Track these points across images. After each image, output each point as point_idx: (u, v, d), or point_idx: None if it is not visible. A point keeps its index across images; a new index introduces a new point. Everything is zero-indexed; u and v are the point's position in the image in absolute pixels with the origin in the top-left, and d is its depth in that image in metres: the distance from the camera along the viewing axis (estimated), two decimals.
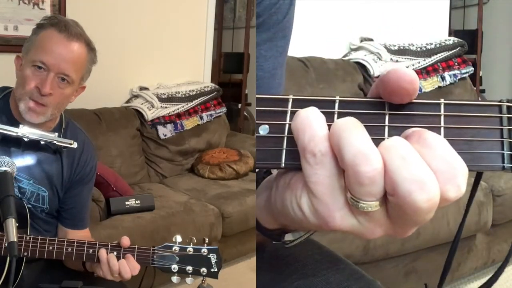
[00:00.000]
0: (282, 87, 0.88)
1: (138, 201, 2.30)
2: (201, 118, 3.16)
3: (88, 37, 1.20)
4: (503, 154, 0.44)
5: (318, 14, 2.90)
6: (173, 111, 2.99)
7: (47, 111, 1.15)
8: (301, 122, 0.45)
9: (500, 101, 0.45)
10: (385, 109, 0.46)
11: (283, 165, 0.48)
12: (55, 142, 1.17)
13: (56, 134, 1.18)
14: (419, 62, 2.91)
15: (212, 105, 3.24)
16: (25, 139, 1.14)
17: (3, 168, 1.03)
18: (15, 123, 1.16)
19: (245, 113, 4.33)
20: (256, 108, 0.50)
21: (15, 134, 1.14)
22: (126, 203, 2.27)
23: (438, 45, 3.00)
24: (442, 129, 0.45)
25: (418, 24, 3.21)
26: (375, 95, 0.47)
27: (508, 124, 0.44)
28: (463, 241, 2.30)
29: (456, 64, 3.02)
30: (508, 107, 0.45)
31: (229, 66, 4.71)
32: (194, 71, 3.44)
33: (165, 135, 2.95)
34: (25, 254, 1.08)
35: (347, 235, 1.89)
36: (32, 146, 1.19)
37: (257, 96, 0.50)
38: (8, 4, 2.45)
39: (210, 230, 2.39)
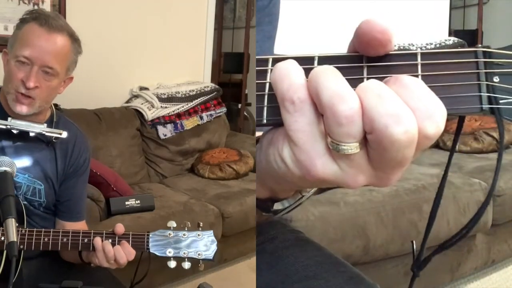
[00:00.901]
0: None
1: (138, 201, 2.30)
2: (201, 118, 3.16)
3: (71, 28, 1.20)
4: (480, 96, 0.45)
5: (318, 14, 2.90)
6: (173, 111, 2.99)
7: (35, 103, 1.16)
8: (279, 73, 0.46)
9: (476, 47, 0.47)
10: (363, 62, 0.48)
11: (264, 121, 0.49)
12: (44, 132, 1.18)
13: (46, 125, 1.19)
14: None
15: (212, 105, 3.24)
16: (14, 131, 1.15)
17: (3, 168, 1.03)
18: (6, 118, 1.17)
19: (245, 113, 4.33)
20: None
21: (3, 126, 1.14)
22: (126, 203, 2.27)
23: (438, 45, 2.99)
24: (419, 76, 0.46)
25: (418, 24, 3.21)
26: (352, 51, 0.49)
27: (484, 68, 0.46)
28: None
29: None
30: (484, 52, 0.47)
31: (229, 66, 4.71)
32: (194, 71, 3.44)
33: (165, 135, 2.95)
34: (21, 247, 1.08)
35: (347, 235, 1.88)
36: (24, 139, 1.19)
37: (258, 57, 0.52)
38: (8, 4, 2.45)
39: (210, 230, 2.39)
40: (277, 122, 0.48)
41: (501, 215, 2.38)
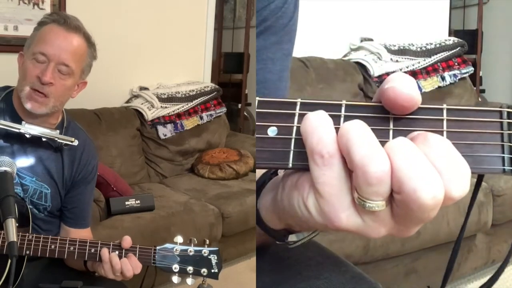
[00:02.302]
0: (288, 90, 0.88)
1: (138, 201, 2.30)
2: (201, 118, 3.16)
3: (87, 31, 1.21)
4: (503, 157, 0.45)
5: (318, 14, 2.90)
6: (173, 111, 2.99)
7: (49, 102, 1.16)
8: (310, 125, 0.47)
9: (501, 107, 0.47)
10: (389, 113, 0.48)
11: (290, 165, 0.49)
12: (56, 139, 1.18)
13: (58, 131, 1.19)
14: (419, 62, 2.91)
15: (212, 105, 3.24)
16: (27, 136, 1.15)
17: (3, 168, 1.03)
18: (19, 122, 1.17)
19: (245, 113, 4.33)
20: (258, 110, 0.51)
21: (17, 130, 1.14)
22: (126, 203, 2.27)
23: (438, 45, 3.00)
24: (444, 132, 0.46)
25: (418, 24, 3.21)
26: (379, 100, 0.49)
27: (508, 129, 0.46)
28: (463, 241, 2.30)
29: (456, 64, 3.01)
30: (508, 112, 0.47)
31: (229, 66, 4.71)
32: (194, 71, 3.43)
33: (165, 135, 2.95)
34: (27, 252, 1.08)
35: (347, 235, 1.88)
36: (34, 143, 1.19)
37: (262, 99, 0.51)
38: (8, 4, 2.45)
39: (210, 230, 2.39)
40: (303, 167, 0.48)
41: (501, 215, 2.38)
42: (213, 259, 1.13)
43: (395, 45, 2.94)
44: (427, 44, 2.99)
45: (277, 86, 0.85)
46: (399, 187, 0.42)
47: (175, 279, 1.12)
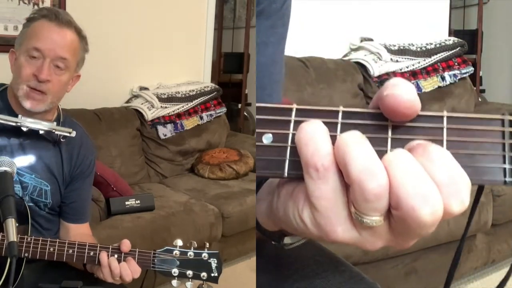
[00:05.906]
0: (283, 76, 0.88)
1: (138, 201, 2.30)
2: (201, 118, 3.16)
3: (78, 25, 1.21)
4: (504, 168, 0.44)
5: (318, 14, 2.90)
6: (173, 111, 2.99)
7: (47, 99, 1.16)
8: (305, 136, 0.45)
9: (502, 115, 0.45)
10: (388, 120, 0.46)
11: (285, 174, 0.47)
12: (53, 131, 1.17)
13: (55, 123, 1.19)
14: (419, 62, 2.90)
15: (212, 105, 3.24)
16: (24, 129, 1.14)
17: (3, 168, 1.03)
18: (16, 117, 1.16)
19: (245, 113, 4.33)
20: (257, 116, 0.49)
21: (13, 123, 1.14)
22: (126, 203, 2.27)
23: (438, 45, 3.00)
24: (444, 142, 0.45)
25: (418, 24, 3.21)
26: (376, 107, 0.47)
27: (510, 138, 0.44)
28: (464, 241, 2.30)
29: (456, 64, 3.01)
30: (510, 121, 0.45)
31: (229, 66, 4.71)
32: (194, 71, 3.43)
33: (165, 135, 2.95)
34: (26, 255, 1.08)
35: None
36: (32, 138, 1.19)
37: (259, 105, 0.49)
38: (8, 4, 2.45)
39: (210, 230, 2.39)
40: (298, 177, 0.46)
41: (501, 215, 2.38)
42: (213, 262, 1.11)
43: (395, 45, 2.94)
44: (427, 44, 2.99)
45: (270, 70, 0.84)
46: (397, 204, 0.41)
47: (175, 282, 1.11)
